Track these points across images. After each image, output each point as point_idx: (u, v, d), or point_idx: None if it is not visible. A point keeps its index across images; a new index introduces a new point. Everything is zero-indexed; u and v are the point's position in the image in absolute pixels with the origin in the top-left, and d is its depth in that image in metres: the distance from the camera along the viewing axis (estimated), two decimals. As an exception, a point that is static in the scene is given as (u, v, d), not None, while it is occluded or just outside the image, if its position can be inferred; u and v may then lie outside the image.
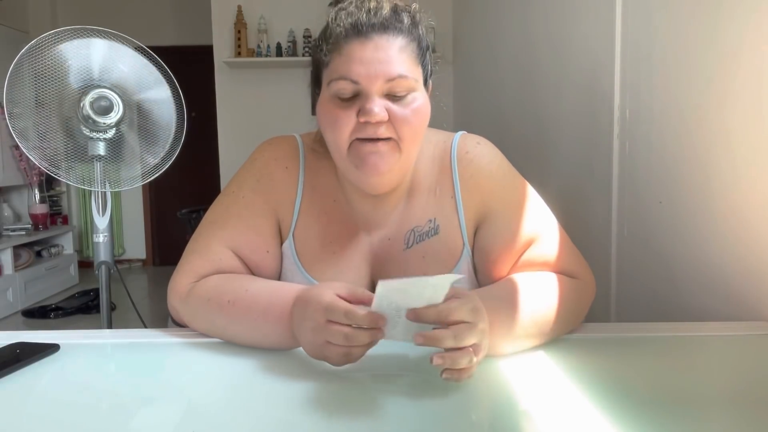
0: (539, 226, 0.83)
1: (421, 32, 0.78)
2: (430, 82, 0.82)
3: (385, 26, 0.74)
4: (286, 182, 0.87)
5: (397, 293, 0.60)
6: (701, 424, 0.55)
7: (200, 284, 0.80)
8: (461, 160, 0.86)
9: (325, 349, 0.62)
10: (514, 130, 2.20)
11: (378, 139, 0.74)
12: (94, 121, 1.52)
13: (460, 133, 0.89)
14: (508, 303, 0.73)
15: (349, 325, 0.61)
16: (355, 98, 0.74)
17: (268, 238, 0.85)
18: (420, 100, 0.76)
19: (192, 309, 0.79)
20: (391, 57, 0.73)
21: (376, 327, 0.61)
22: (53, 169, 1.54)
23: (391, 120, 0.74)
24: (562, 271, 0.82)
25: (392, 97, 0.74)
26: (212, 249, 0.83)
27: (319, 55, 0.78)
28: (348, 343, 0.61)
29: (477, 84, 3.00)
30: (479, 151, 0.87)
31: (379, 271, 0.87)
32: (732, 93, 0.93)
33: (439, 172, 0.87)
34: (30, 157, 1.52)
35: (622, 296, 1.33)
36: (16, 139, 1.49)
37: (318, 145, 0.87)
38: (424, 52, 0.78)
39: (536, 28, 1.93)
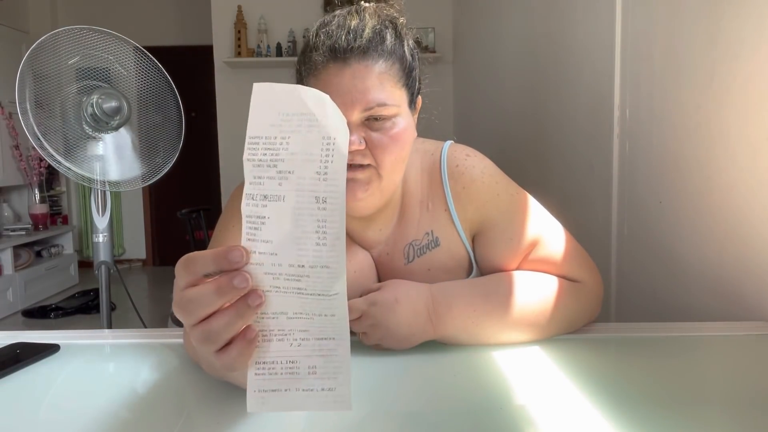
0: (538, 231, 0.82)
1: (405, 50, 0.73)
2: (418, 99, 0.79)
3: (365, 50, 0.69)
4: None
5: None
6: (701, 424, 0.55)
7: None
8: (452, 174, 0.83)
9: (193, 340, 0.39)
10: (514, 130, 2.20)
11: (356, 166, 0.71)
12: (98, 120, 1.52)
13: (448, 143, 0.86)
14: (461, 287, 0.74)
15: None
16: None
17: None
18: (401, 124, 0.72)
19: None
20: (369, 86, 0.69)
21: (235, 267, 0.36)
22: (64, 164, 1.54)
23: (369, 147, 0.71)
24: (564, 273, 0.81)
25: (371, 122, 0.71)
26: None
27: (301, 70, 0.75)
28: (197, 315, 0.37)
29: (477, 84, 3.00)
30: (470, 164, 0.84)
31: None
32: (732, 93, 0.93)
33: (429, 185, 0.84)
34: (42, 152, 1.51)
35: (622, 296, 1.33)
36: (30, 138, 1.49)
37: None
38: (409, 72, 0.74)
39: (536, 28, 1.93)
